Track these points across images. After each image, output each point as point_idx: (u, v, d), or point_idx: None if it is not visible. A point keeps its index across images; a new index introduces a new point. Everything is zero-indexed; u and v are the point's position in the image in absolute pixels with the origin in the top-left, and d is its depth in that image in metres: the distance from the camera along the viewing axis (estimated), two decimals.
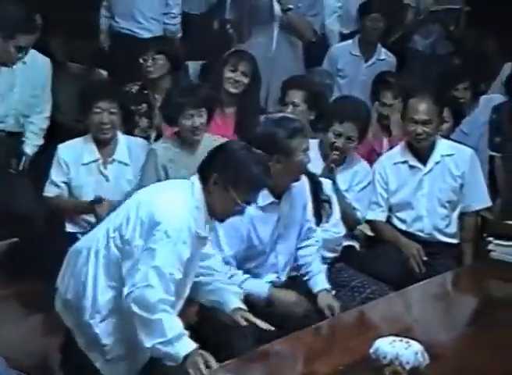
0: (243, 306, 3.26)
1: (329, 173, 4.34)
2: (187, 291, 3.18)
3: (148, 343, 2.93)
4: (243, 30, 5.81)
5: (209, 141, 4.39)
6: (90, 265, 3.16)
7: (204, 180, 3.13)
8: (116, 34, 6.01)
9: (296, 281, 3.82)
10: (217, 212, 3.16)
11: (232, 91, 4.90)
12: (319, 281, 3.76)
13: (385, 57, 6.10)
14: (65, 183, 4.46)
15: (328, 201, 4.12)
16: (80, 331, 3.18)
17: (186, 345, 2.91)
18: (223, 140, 4.49)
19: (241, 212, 3.20)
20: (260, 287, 3.62)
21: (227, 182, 3.08)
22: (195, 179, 3.15)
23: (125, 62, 5.45)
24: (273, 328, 3.19)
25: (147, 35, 5.89)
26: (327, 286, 3.75)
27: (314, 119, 4.71)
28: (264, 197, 3.54)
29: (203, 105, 4.28)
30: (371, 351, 2.84)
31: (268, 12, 5.69)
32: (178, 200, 3.08)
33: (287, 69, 5.55)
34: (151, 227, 3.01)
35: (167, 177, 4.27)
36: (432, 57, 6.58)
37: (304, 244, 3.82)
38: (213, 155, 3.19)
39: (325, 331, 3.50)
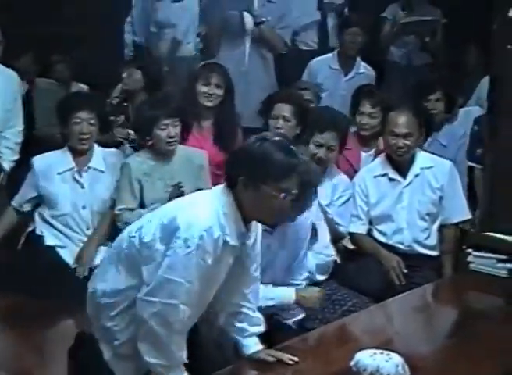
0: (260, 348, 3.19)
1: None
2: (208, 301, 3.10)
3: (148, 358, 2.94)
4: (213, 44, 5.80)
5: (184, 151, 4.43)
6: (115, 253, 3.12)
7: (232, 187, 2.97)
8: (136, 48, 6.19)
9: None
10: (261, 217, 3.01)
11: (208, 104, 4.90)
12: None
13: (364, 71, 6.11)
14: (33, 198, 4.53)
15: (315, 229, 4.11)
16: (95, 316, 3.14)
17: (179, 374, 2.95)
18: (198, 150, 4.54)
19: (286, 211, 2.98)
20: (286, 294, 3.69)
21: (256, 180, 2.91)
22: (222, 186, 3.02)
23: None
24: (297, 359, 3.12)
25: None
26: None
27: (299, 133, 4.72)
28: None
29: (176, 114, 4.35)
30: (352, 363, 2.84)
31: (239, 26, 5.69)
32: (202, 206, 2.94)
33: (260, 83, 5.58)
34: (171, 232, 2.91)
35: (142, 190, 4.31)
36: (409, 68, 6.60)
37: (292, 281, 3.79)
38: (232, 161, 3.05)
39: (306, 344, 3.49)
